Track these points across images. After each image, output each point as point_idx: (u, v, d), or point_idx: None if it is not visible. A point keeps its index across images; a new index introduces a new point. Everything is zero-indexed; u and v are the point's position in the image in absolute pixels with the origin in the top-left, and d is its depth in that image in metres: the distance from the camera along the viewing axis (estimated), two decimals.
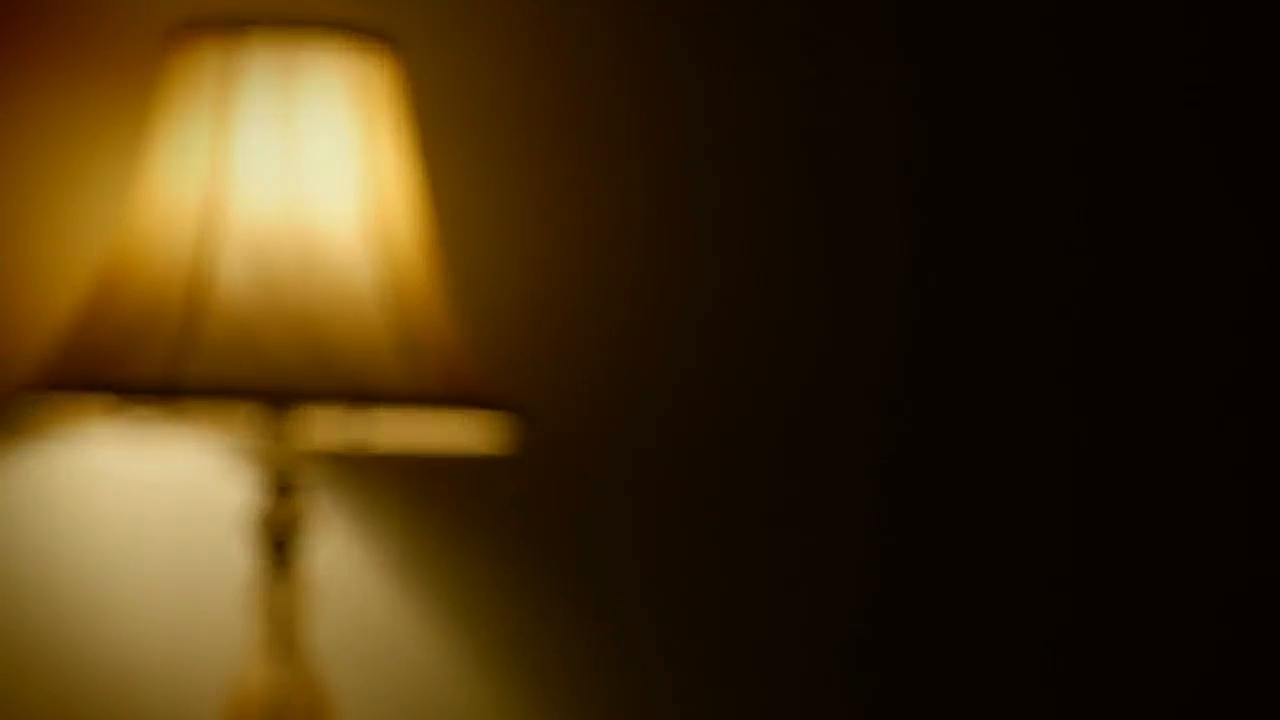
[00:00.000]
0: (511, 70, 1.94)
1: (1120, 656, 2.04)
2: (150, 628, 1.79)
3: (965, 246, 2.03)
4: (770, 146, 2.03)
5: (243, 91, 1.59)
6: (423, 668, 1.90)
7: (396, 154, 1.67)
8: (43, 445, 1.76)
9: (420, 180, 1.71)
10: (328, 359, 1.52)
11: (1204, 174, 2.10)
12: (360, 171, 1.62)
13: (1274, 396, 2.08)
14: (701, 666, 2.00)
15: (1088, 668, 2.04)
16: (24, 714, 1.74)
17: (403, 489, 1.89)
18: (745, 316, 2.02)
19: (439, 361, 1.60)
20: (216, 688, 1.72)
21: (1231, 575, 2.07)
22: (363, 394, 1.54)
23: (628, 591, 1.98)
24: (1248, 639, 2.06)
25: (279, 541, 1.66)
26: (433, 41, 1.86)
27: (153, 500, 1.80)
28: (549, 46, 1.95)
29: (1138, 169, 2.08)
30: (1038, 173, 2.05)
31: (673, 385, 2.01)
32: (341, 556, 1.86)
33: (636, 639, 1.99)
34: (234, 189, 1.57)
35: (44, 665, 1.75)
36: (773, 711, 1.97)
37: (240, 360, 1.50)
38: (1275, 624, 2.06)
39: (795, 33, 2.04)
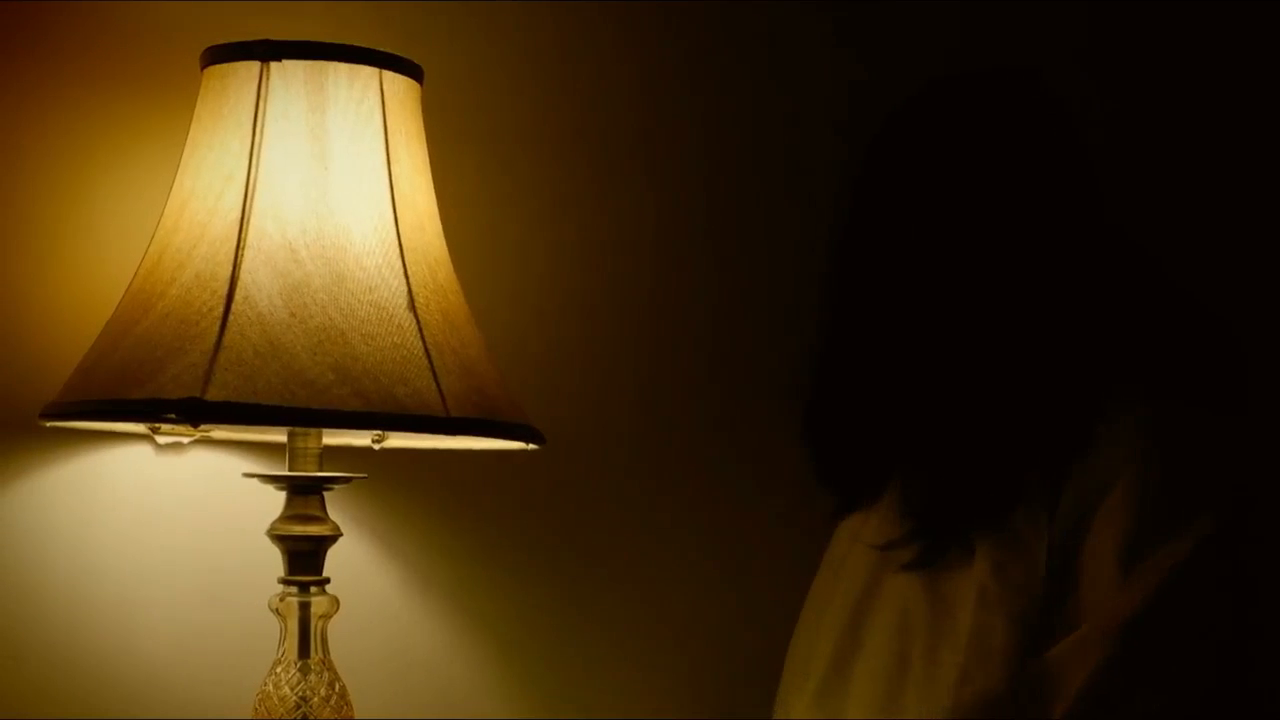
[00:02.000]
0: (524, 93, 1.96)
1: None
2: (177, 636, 1.81)
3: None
4: (775, 158, 2.05)
5: (272, 111, 1.60)
6: (443, 673, 1.92)
7: (421, 172, 1.69)
8: (69, 458, 1.77)
9: (436, 197, 1.73)
10: (355, 376, 1.53)
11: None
12: (387, 189, 1.63)
13: None
14: (711, 666, 2.02)
15: None
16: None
17: (424, 496, 1.91)
18: (749, 323, 2.04)
19: (467, 380, 1.60)
20: (243, 695, 1.74)
21: None
22: (391, 413, 1.54)
23: (645, 596, 2.01)
24: None
25: (303, 550, 1.68)
26: (451, 64, 1.88)
27: (179, 510, 1.81)
28: (562, 71, 1.98)
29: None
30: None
31: (680, 389, 2.02)
32: (365, 563, 1.87)
33: (650, 640, 2.01)
34: (263, 206, 1.58)
35: (70, 671, 1.78)
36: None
37: (267, 376, 1.51)
38: None
39: (801, 48, 2.05)
